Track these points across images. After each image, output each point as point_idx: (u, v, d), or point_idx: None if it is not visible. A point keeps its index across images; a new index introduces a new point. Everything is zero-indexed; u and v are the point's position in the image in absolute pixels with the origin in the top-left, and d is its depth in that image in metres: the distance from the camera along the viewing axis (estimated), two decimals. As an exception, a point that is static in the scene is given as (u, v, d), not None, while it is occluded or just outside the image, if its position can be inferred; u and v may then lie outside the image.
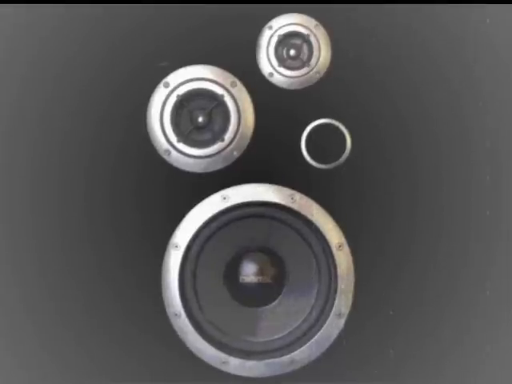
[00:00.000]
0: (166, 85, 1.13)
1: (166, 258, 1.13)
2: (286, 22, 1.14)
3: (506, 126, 1.16)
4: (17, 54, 1.14)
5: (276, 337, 1.15)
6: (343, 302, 1.13)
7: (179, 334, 1.13)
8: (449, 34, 1.15)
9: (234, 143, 1.14)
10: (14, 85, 1.14)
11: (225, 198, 1.13)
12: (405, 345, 1.17)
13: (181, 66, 1.13)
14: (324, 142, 1.14)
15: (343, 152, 1.15)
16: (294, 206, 1.13)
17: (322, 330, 1.14)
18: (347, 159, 1.15)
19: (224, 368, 1.13)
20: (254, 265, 1.16)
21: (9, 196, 1.15)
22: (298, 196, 1.13)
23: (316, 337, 1.14)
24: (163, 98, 1.13)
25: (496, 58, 1.16)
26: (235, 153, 1.14)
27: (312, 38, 1.14)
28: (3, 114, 1.14)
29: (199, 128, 1.15)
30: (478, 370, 1.17)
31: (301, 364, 1.14)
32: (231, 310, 1.15)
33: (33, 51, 1.14)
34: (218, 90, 1.13)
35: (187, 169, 1.14)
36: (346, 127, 1.14)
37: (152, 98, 1.14)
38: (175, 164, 1.14)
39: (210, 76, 1.13)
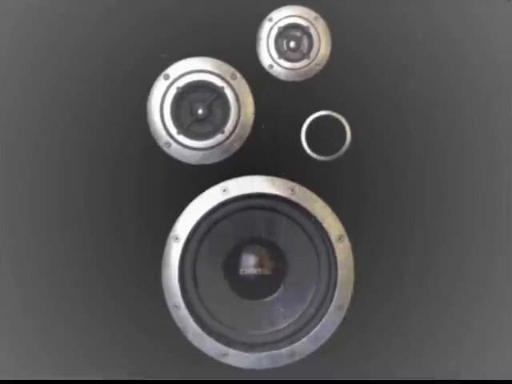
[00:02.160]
0: (166, 77, 1.14)
1: (166, 249, 1.13)
2: (285, 14, 1.15)
3: (505, 120, 1.16)
4: (19, 47, 1.15)
5: (276, 329, 1.15)
6: (343, 294, 1.13)
7: (179, 325, 1.13)
8: (448, 26, 1.16)
9: (234, 135, 1.14)
10: (16, 76, 1.14)
11: (225, 190, 1.13)
12: (404, 338, 1.16)
13: (181, 58, 1.14)
14: (324, 134, 1.14)
15: (343, 144, 1.15)
16: (294, 198, 1.13)
17: (321, 322, 1.14)
18: (347, 151, 1.15)
19: (224, 360, 1.13)
20: (253, 257, 1.16)
21: (8, 188, 1.15)
22: (298, 188, 1.13)
23: (316, 329, 1.14)
24: (163, 90, 1.14)
25: (494, 52, 1.17)
26: (235, 145, 1.14)
27: (312, 30, 1.15)
28: (4, 102, 1.15)
29: (199, 120, 1.15)
30: (478, 364, 1.17)
31: (300, 356, 1.14)
32: (231, 301, 1.15)
33: (34, 44, 1.14)
34: (218, 82, 1.14)
35: (187, 161, 1.14)
36: (346, 119, 1.14)
37: (152, 90, 1.14)
38: (175, 156, 1.14)
39: (210, 68, 1.14)
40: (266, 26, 1.15)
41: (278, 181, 1.13)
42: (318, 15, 1.14)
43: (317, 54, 1.15)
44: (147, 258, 1.14)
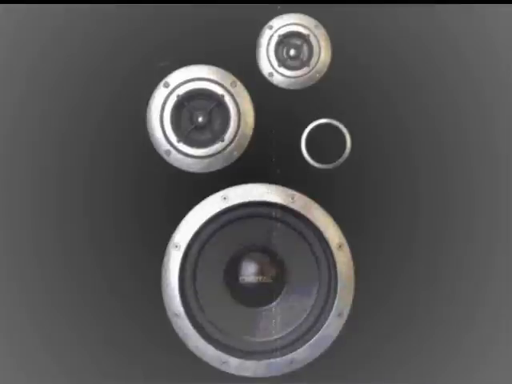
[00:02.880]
0: (166, 85, 1.13)
1: (166, 258, 1.13)
2: (286, 22, 1.14)
3: (506, 124, 1.17)
4: (18, 54, 1.14)
5: (276, 337, 1.15)
6: (343, 302, 1.13)
7: (179, 333, 1.13)
8: (448, 33, 1.16)
9: (234, 143, 1.14)
10: (15, 84, 1.14)
11: (225, 198, 1.13)
12: (404, 345, 1.17)
13: (181, 66, 1.13)
14: (324, 142, 1.14)
15: (343, 152, 1.15)
16: (294, 206, 1.13)
17: (321, 330, 1.14)
18: (347, 159, 1.15)
19: (224, 368, 1.13)
20: (254, 265, 1.16)
21: (8, 197, 1.15)
22: (297, 196, 1.13)
23: (316, 337, 1.14)
24: (163, 98, 1.13)
25: (496, 57, 1.17)
26: (235, 153, 1.14)
27: (312, 38, 1.15)
28: (5, 112, 1.14)
29: (199, 128, 1.15)
30: (478, 370, 1.17)
31: (301, 364, 1.14)
32: (231, 309, 1.15)
33: (34, 51, 1.14)
34: (218, 90, 1.13)
35: (187, 169, 1.14)
36: (346, 127, 1.14)
37: (152, 98, 1.14)
38: (175, 164, 1.14)
39: (210, 76, 1.14)
40: (266, 33, 1.15)
41: (278, 189, 1.13)
42: (318, 23, 1.14)
43: (317, 62, 1.15)
44: (147, 266, 1.14)
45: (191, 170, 1.14)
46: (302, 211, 1.13)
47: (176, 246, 1.13)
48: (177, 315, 1.13)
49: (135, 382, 1.16)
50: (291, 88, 1.15)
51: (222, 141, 1.14)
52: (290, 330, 1.15)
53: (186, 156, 1.14)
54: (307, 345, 1.14)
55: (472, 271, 1.17)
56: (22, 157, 1.15)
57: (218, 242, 1.14)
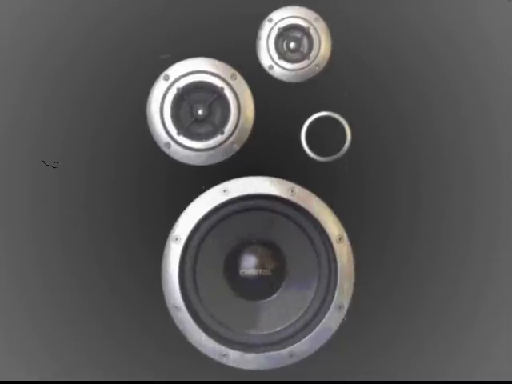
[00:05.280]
0: (166, 78, 1.13)
1: (166, 250, 1.13)
2: (286, 15, 1.15)
3: (507, 118, 1.17)
4: (19, 48, 1.14)
5: (276, 329, 1.15)
6: (343, 295, 1.13)
7: (179, 326, 1.13)
8: (448, 27, 1.16)
9: (233, 136, 1.14)
10: (16, 77, 1.14)
11: (225, 191, 1.13)
12: (405, 338, 1.17)
13: (181, 59, 1.13)
14: (324, 135, 1.14)
15: (343, 145, 1.15)
16: (294, 199, 1.13)
17: (321, 323, 1.13)
18: (347, 152, 1.15)
19: (224, 361, 1.13)
20: (254, 258, 1.16)
21: (8, 189, 1.15)
22: (297, 189, 1.13)
23: (316, 329, 1.13)
24: (163, 90, 1.13)
25: (494, 53, 1.17)
26: (235, 145, 1.14)
27: (312, 31, 1.15)
28: (5, 103, 1.15)
29: (199, 121, 1.15)
30: (478, 366, 1.17)
31: (301, 357, 1.14)
32: (231, 302, 1.15)
33: (34, 44, 1.14)
34: (218, 83, 1.13)
35: (187, 162, 1.14)
36: (346, 120, 1.14)
37: (152, 91, 1.14)
38: (175, 157, 1.14)
39: (210, 69, 1.14)
40: (266, 26, 1.15)
41: (278, 181, 1.13)
42: (318, 16, 1.14)
43: (317, 55, 1.15)
44: (147, 258, 1.14)
45: (191, 163, 1.14)
46: (302, 204, 1.13)
47: (176, 239, 1.12)
48: (177, 308, 1.12)
49: (134, 375, 1.16)
50: (291, 81, 1.15)
51: (222, 133, 1.14)
52: (289, 322, 1.15)
53: (185, 149, 1.14)
54: (307, 338, 1.13)
55: (473, 266, 1.17)
56: (22, 152, 1.15)
57: (218, 235, 1.14)
